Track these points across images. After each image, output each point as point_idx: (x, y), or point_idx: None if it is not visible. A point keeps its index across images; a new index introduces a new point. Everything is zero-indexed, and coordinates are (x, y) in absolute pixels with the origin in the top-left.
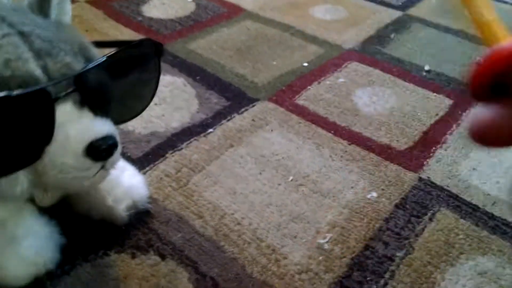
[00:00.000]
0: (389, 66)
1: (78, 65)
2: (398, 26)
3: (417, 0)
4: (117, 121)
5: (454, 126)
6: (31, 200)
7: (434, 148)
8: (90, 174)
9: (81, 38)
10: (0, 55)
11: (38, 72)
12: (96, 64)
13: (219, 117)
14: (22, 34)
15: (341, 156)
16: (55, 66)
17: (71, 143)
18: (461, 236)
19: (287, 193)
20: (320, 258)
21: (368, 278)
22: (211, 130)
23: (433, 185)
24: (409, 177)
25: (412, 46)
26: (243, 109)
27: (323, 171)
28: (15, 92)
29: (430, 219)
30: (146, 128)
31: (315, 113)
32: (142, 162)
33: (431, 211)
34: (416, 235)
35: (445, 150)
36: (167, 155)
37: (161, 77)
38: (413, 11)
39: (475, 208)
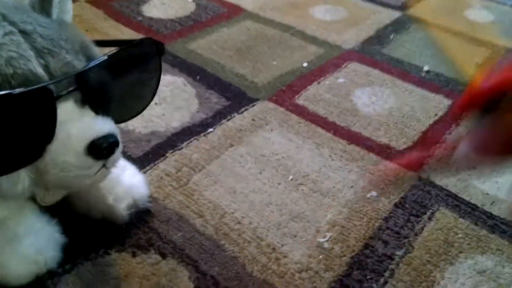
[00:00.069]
0: (389, 67)
1: (80, 64)
2: (398, 26)
3: (417, 1)
4: (118, 120)
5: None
6: (33, 199)
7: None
8: (91, 173)
9: (82, 37)
10: (2, 53)
11: (40, 70)
12: (97, 63)
13: (219, 116)
14: (24, 33)
15: (341, 156)
16: (57, 64)
17: (72, 142)
18: (460, 235)
19: (287, 193)
20: (320, 257)
21: (368, 277)
22: (211, 129)
23: (432, 184)
24: (409, 177)
25: (411, 46)
26: (243, 109)
27: (322, 171)
28: (17, 91)
29: (430, 218)
30: (146, 127)
31: (314, 113)
32: (142, 162)
33: (430, 210)
34: (416, 234)
35: (444, 150)
36: (167, 154)
37: (161, 77)
38: (413, 11)
39: (474, 207)
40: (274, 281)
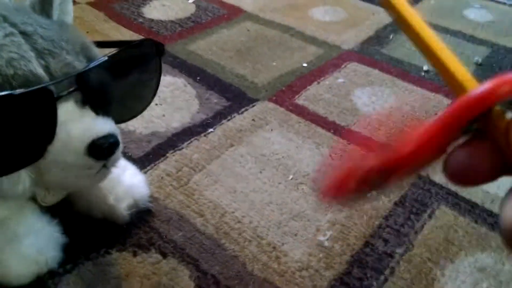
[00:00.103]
0: (388, 66)
1: (80, 65)
2: (397, 26)
3: (416, 1)
4: (118, 120)
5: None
6: (33, 199)
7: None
8: (92, 173)
9: (82, 38)
10: (3, 54)
11: (40, 71)
12: (97, 63)
13: (219, 117)
14: (24, 34)
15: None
16: (57, 65)
17: (73, 142)
18: (460, 233)
19: (287, 192)
20: (321, 255)
21: (368, 275)
22: (211, 130)
23: (432, 182)
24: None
25: (410, 46)
26: (243, 109)
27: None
28: (18, 91)
29: (430, 216)
30: (147, 128)
31: (314, 113)
32: (143, 162)
33: (431, 208)
34: (416, 232)
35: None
36: (167, 154)
37: (162, 77)
38: None
39: (474, 205)
40: (275, 279)
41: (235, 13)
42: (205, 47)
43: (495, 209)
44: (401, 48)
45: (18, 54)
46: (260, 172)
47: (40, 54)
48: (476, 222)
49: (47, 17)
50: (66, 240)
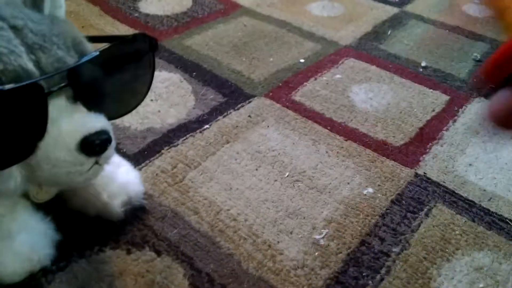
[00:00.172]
0: (386, 63)
1: (71, 60)
2: (395, 22)
3: None
4: (111, 116)
5: (451, 122)
6: (26, 196)
7: (430, 144)
8: (84, 169)
9: (75, 32)
10: None
11: (30, 66)
12: (89, 58)
13: (215, 113)
14: (14, 28)
15: (337, 152)
16: (48, 60)
17: (64, 138)
18: (457, 232)
19: (283, 189)
20: (316, 253)
21: (364, 274)
22: (207, 126)
23: (429, 181)
24: (405, 173)
25: (408, 42)
26: (239, 105)
27: (319, 167)
28: (8, 86)
29: (426, 215)
30: (142, 124)
31: (311, 109)
32: (137, 158)
33: (427, 206)
34: (412, 231)
35: (441, 146)
36: (163, 151)
37: (157, 73)
38: (410, 7)
39: (471, 203)
40: (270, 278)
41: (232, 8)
42: (202, 42)
43: (492, 207)
44: (399, 44)
45: (7, 48)
46: (256, 169)
47: (30, 48)
48: (473, 220)
49: (38, 11)
50: (59, 238)
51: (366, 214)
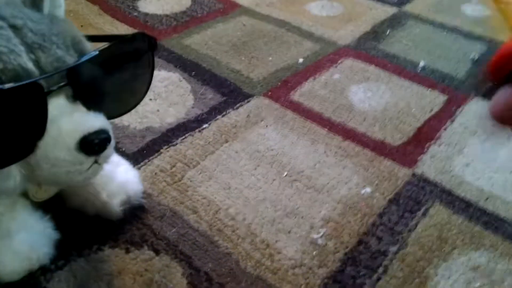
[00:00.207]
0: (384, 62)
1: (71, 59)
2: (394, 22)
3: None
4: (110, 116)
5: (448, 122)
6: (25, 195)
7: (428, 144)
8: (83, 169)
9: (74, 31)
10: None
11: (30, 65)
12: (88, 58)
13: (214, 112)
14: (14, 27)
15: (336, 152)
16: (47, 59)
17: (63, 137)
18: (454, 231)
19: (282, 189)
20: (314, 253)
21: (361, 273)
22: (206, 125)
23: (427, 180)
24: (403, 173)
25: (407, 42)
26: (238, 105)
27: (317, 167)
28: (7, 86)
29: (424, 214)
30: (141, 123)
31: (310, 109)
32: (136, 157)
33: (425, 206)
34: (410, 230)
35: (439, 146)
36: (162, 150)
37: (157, 72)
38: (409, 7)
39: (468, 203)
40: (268, 277)
41: (231, 7)
42: (201, 42)
43: (489, 207)
44: (397, 44)
45: (7, 47)
46: (255, 168)
47: (30, 48)
48: (470, 220)
49: (37, 11)
50: (58, 237)
51: (363, 213)
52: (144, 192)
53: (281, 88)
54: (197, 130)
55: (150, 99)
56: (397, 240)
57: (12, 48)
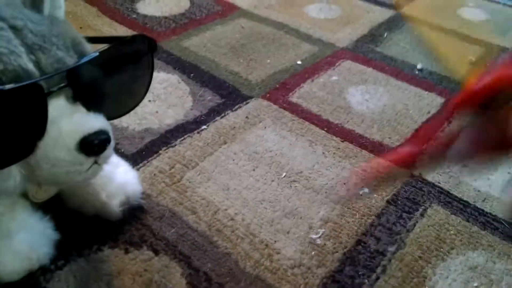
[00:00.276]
0: (382, 65)
1: (71, 60)
2: (391, 25)
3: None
4: (110, 117)
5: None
6: (25, 195)
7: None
8: (83, 169)
9: (74, 33)
10: None
11: (30, 66)
12: (88, 59)
13: (213, 114)
14: (14, 28)
15: (334, 153)
16: (48, 60)
17: (63, 138)
18: (452, 232)
19: (280, 189)
20: (313, 253)
21: (360, 273)
22: (204, 127)
23: (425, 181)
24: (401, 173)
25: (405, 45)
26: (236, 106)
27: (316, 168)
28: (8, 86)
29: (422, 215)
30: (140, 124)
31: (308, 110)
32: (135, 158)
33: (423, 207)
34: (408, 231)
35: (436, 146)
36: (160, 151)
37: (156, 74)
38: (406, 10)
39: (466, 204)
40: (267, 277)
41: (230, 9)
42: (199, 44)
43: (486, 208)
44: (395, 47)
45: (7, 48)
46: (253, 169)
47: (30, 49)
48: (467, 220)
49: (37, 12)
50: (58, 237)
51: (362, 214)
52: (143, 193)
53: (279, 90)
54: (196, 132)
55: (149, 101)
56: (396, 240)
57: (13, 49)
